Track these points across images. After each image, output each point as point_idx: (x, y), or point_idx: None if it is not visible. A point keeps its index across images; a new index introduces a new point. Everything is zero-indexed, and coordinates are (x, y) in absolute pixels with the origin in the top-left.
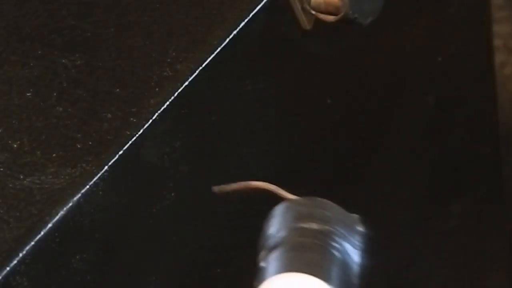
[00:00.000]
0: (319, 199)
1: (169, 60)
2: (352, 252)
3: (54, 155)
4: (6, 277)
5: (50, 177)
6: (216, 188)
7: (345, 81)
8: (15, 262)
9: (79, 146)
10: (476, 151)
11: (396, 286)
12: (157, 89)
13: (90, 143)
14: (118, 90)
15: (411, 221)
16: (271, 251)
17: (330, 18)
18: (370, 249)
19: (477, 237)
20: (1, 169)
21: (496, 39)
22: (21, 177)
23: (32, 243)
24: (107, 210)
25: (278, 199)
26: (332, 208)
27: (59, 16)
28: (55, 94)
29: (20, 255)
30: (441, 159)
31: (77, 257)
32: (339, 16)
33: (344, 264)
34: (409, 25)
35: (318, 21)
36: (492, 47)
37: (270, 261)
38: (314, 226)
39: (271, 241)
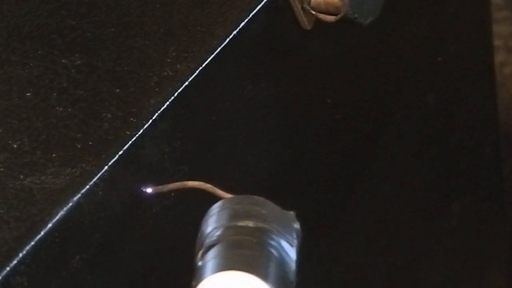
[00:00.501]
0: (255, 197)
1: (169, 60)
2: (289, 249)
3: (54, 155)
4: (6, 277)
5: (50, 177)
6: (153, 189)
7: (345, 81)
8: (15, 262)
9: (79, 146)
10: (476, 151)
11: (396, 286)
12: (157, 89)
13: (90, 143)
14: (118, 90)
15: (411, 221)
16: (208, 250)
17: (330, 18)
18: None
19: (477, 237)
20: (1, 169)
21: (496, 39)
22: (21, 177)
23: (32, 243)
24: (107, 210)
25: (215, 198)
26: (267, 206)
27: (59, 16)
28: (55, 94)
29: (20, 255)
30: (441, 159)
31: (77, 257)
32: (339, 16)
33: (281, 262)
34: (409, 25)
35: (318, 21)
36: (492, 47)
37: (207, 260)
38: (250, 224)
39: (208, 240)
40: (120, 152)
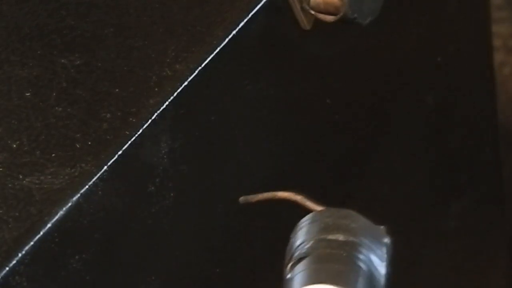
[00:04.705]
0: (345, 210)
1: (168, 60)
2: (378, 263)
3: (53, 155)
4: (5, 277)
5: (50, 177)
6: (241, 199)
7: (345, 81)
8: (14, 262)
9: (78, 146)
10: (476, 151)
11: (396, 286)
12: (156, 89)
13: (90, 143)
14: (117, 90)
15: (410, 221)
16: (297, 263)
17: (330, 18)
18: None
19: (477, 237)
20: (1, 169)
21: (496, 39)
22: (21, 177)
23: (32, 243)
24: (107, 210)
25: (304, 209)
26: (358, 220)
27: (59, 16)
28: (54, 94)
29: (20, 255)
30: (441, 159)
31: (77, 257)
32: (338, 16)
33: (370, 276)
34: (409, 25)
35: (317, 21)
36: (492, 47)
37: (296, 273)
38: (340, 237)
39: (297, 253)
40: (120, 152)
